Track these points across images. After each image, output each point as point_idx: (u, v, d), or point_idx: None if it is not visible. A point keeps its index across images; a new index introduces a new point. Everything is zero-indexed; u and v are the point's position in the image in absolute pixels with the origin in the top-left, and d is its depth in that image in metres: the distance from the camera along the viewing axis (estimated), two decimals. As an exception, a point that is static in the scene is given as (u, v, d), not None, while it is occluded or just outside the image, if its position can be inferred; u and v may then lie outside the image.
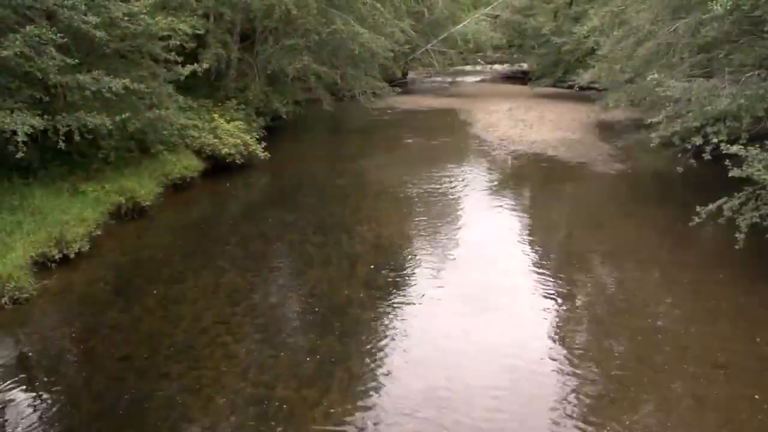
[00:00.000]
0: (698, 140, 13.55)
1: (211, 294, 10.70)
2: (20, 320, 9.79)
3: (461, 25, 44.04)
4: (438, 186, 17.95)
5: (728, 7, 11.22)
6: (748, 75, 12.86)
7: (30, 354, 9.01)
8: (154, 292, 10.76)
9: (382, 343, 9.21)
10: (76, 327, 9.63)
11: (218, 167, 18.68)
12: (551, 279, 11.47)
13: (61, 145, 12.62)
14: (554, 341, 9.28)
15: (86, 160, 14.97)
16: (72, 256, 11.77)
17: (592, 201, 16.49)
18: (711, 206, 11.71)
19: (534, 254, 12.80)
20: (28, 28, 11.70)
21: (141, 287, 10.95)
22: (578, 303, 10.53)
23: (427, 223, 14.64)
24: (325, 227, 14.19)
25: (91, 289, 10.88)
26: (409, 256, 12.55)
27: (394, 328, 9.64)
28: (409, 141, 25.58)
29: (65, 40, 12.31)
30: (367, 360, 8.78)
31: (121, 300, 10.48)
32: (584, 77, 25.71)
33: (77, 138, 13.10)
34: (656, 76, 13.80)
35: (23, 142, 11.34)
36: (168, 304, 10.34)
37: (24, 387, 8.04)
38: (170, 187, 16.48)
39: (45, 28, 11.99)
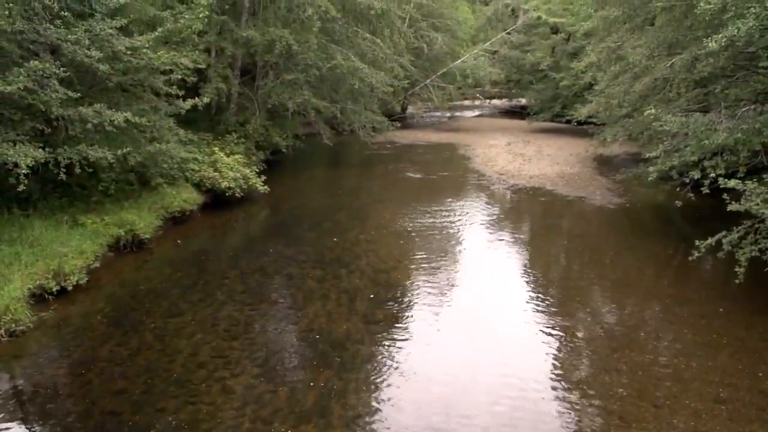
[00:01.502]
0: (696, 174, 13.62)
1: (209, 328, 10.64)
2: (15, 353, 9.71)
3: (460, 60, 44.51)
4: (437, 220, 17.97)
5: (723, 44, 11.35)
6: (744, 109, 12.97)
7: (25, 387, 8.92)
8: (152, 325, 10.70)
9: (381, 378, 9.13)
10: (73, 360, 9.55)
11: (218, 200, 18.73)
12: (551, 313, 11.42)
13: (62, 177, 12.66)
14: (554, 376, 9.20)
15: (86, 193, 15.00)
16: (70, 288, 11.73)
17: (592, 235, 16.48)
18: (710, 240, 11.72)
19: (533, 288, 12.76)
20: (32, 62, 11.81)
21: (139, 320, 10.89)
22: (578, 337, 10.46)
23: (426, 258, 14.61)
24: (324, 261, 14.16)
25: (88, 322, 10.81)
26: (408, 291, 12.50)
27: (393, 363, 9.56)
28: (409, 175, 25.67)
29: (68, 73, 12.42)
30: (366, 396, 8.69)
31: (119, 333, 10.41)
32: (582, 112, 25.89)
33: (78, 170, 13.15)
34: (653, 110, 13.91)
35: (24, 174, 11.37)
36: (165, 337, 10.28)
37: (18, 421, 7.94)
38: (169, 220, 16.50)
39: (49, 63, 12.11)
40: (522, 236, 16.73)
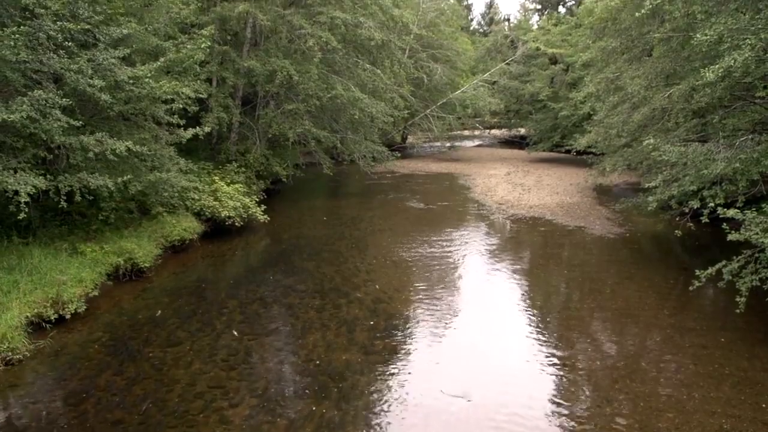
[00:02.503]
0: (695, 204, 13.65)
1: (208, 357, 10.57)
2: (11, 382, 9.63)
3: (460, 91, 44.87)
4: (437, 250, 17.94)
5: (720, 74, 11.45)
6: (742, 139, 13.03)
7: (20, 417, 8.82)
8: (150, 354, 10.63)
9: (380, 409, 9.05)
10: (69, 389, 9.47)
11: (218, 229, 18.74)
12: (551, 343, 11.35)
13: (63, 205, 12.68)
14: (555, 407, 9.12)
15: (86, 221, 15.01)
16: (68, 316, 11.69)
17: (592, 264, 16.44)
18: (710, 270, 11.70)
19: (533, 318, 12.70)
20: (35, 91, 11.90)
21: (137, 349, 10.82)
22: (579, 368, 10.38)
23: (426, 288, 14.57)
24: (323, 291, 14.12)
25: (85, 351, 10.74)
26: (408, 321, 12.44)
27: (392, 394, 9.49)
28: (408, 204, 25.70)
29: (70, 102, 12.51)
30: (365, 427, 8.61)
31: (116, 362, 10.34)
32: (581, 142, 26.05)
33: (78, 198, 13.17)
34: (652, 140, 13.98)
35: (25, 202, 11.38)
36: (164, 367, 10.20)
37: (13, 452, 7.85)
38: (169, 249, 16.49)
39: (52, 92, 12.19)
40: (522, 266, 16.69)
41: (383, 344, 11.22)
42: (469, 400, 9.26)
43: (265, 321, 12.38)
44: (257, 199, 20.39)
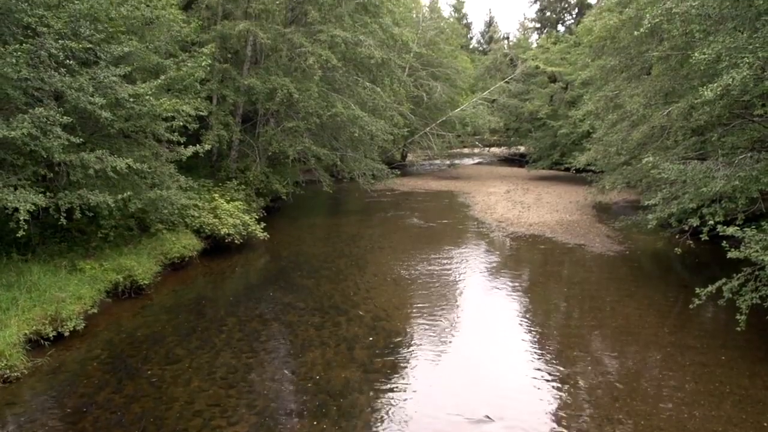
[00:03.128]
0: (695, 221, 13.66)
1: (206, 375, 10.52)
2: (9, 400, 9.58)
3: (459, 109, 45.06)
4: (436, 267, 17.92)
5: (718, 93, 11.50)
6: (741, 157, 13.07)
7: (18, 436, 8.78)
8: (149, 372, 10.58)
9: (380, 427, 9.00)
10: (67, 407, 9.42)
11: (217, 247, 18.73)
12: (551, 361, 11.31)
13: (62, 222, 12.68)
14: (556, 425, 9.07)
15: (86, 238, 15.01)
16: (66, 334, 11.65)
17: (591, 282, 16.41)
18: (710, 288, 11.68)
19: (533, 336, 12.66)
20: (37, 109, 11.94)
21: (135, 367, 10.78)
22: (579, 386, 10.33)
23: (426, 305, 14.54)
24: (323, 308, 14.08)
25: (84, 368, 10.70)
26: (408, 339, 12.40)
27: (392, 413, 9.44)
28: (408, 222, 25.71)
29: (71, 120, 12.55)
30: (364, 444, 8.56)
31: (115, 380, 10.29)
32: (581, 160, 26.11)
33: (78, 215, 13.17)
34: (651, 158, 14.01)
35: (24, 219, 11.38)
36: (162, 384, 10.15)
37: (10, 471, 7.80)
38: (168, 266, 16.47)
39: (53, 110, 12.24)
40: (521, 284, 16.66)
41: (383, 362, 11.18)
42: (491, 419, 9.22)
43: (264, 338, 12.34)
44: (257, 217, 20.40)
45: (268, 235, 19.28)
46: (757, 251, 11.11)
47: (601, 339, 12.56)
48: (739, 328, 11.16)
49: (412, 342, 12.17)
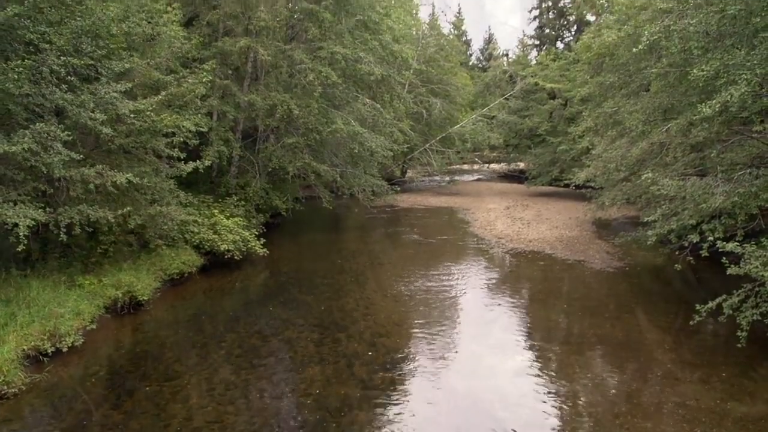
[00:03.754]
0: (695, 237, 13.66)
1: (206, 392, 10.47)
2: (6, 416, 9.53)
3: (459, 125, 45.19)
4: (436, 284, 17.89)
5: (717, 109, 11.55)
6: (740, 173, 13.09)
7: (15, 453, 8.72)
8: (147, 388, 10.53)
9: (379, 443, 8.96)
10: (65, 424, 9.36)
11: (217, 262, 18.71)
12: (551, 378, 11.26)
13: (62, 237, 12.66)
14: (556, 442, 9.02)
15: (85, 253, 15.00)
16: (65, 349, 11.61)
17: (592, 298, 16.38)
18: (711, 304, 11.66)
19: (534, 353, 12.61)
20: (38, 125, 11.97)
21: (134, 383, 10.73)
22: (579, 403, 10.28)
23: (425, 322, 14.49)
24: (322, 325, 14.04)
25: (82, 385, 10.65)
26: (407, 356, 12.36)
27: (391, 430, 9.38)
28: (408, 238, 25.70)
29: (71, 136, 12.58)
30: (364, 461, 8.50)
31: (113, 396, 10.24)
32: (580, 176, 26.13)
33: (78, 230, 13.17)
34: (650, 175, 14.04)
35: (24, 235, 11.37)
36: (161, 401, 10.10)
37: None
38: (168, 282, 16.44)
39: (54, 126, 12.27)
40: (521, 300, 16.62)
41: (382, 379, 11.13)
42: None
43: (263, 355, 12.29)
44: (256, 233, 20.39)
45: (267, 251, 19.27)
46: (757, 267, 11.10)
47: (601, 355, 12.52)
48: (739, 345, 11.13)
49: (412, 359, 12.13)
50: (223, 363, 11.71)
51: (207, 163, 16.79)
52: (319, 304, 15.56)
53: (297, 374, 11.34)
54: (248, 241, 19.06)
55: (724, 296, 11.59)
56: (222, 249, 18.36)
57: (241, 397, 10.31)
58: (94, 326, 12.89)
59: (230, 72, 23.53)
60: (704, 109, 11.66)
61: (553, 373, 11.49)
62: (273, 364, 11.89)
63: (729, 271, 11.43)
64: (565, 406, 10.13)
